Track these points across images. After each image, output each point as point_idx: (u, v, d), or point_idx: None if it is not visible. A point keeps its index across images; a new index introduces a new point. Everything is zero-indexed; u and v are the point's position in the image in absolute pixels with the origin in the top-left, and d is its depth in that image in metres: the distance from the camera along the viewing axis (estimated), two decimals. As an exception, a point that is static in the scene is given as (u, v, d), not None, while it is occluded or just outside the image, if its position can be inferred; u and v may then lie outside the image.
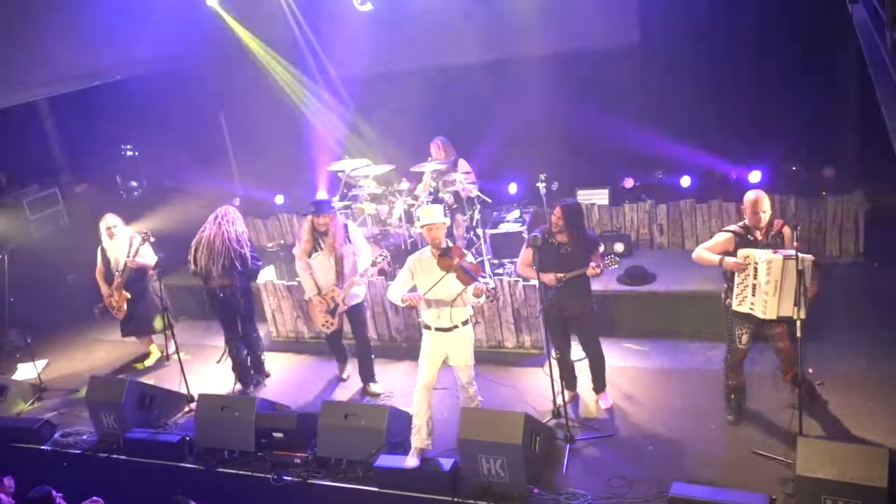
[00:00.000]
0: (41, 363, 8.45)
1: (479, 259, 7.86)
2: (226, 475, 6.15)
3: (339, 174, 8.79)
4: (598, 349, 6.21)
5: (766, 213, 5.32)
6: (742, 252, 5.32)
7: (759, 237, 5.37)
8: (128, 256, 7.71)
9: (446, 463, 5.52)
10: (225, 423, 6.29)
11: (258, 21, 10.36)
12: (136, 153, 12.14)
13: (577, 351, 6.33)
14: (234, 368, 7.36)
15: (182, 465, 6.37)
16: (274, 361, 7.86)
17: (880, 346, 6.28)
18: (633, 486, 5.23)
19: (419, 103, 9.40)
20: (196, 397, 6.85)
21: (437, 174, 8.06)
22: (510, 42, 9.24)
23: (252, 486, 6.00)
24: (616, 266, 5.99)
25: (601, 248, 6.45)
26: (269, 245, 9.48)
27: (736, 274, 5.35)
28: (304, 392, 7.25)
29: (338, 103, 10.53)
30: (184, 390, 7.22)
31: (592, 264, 5.72)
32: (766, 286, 5.14)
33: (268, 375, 7.63)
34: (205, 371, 7.89)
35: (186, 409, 7.16)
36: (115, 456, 6.64)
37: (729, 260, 5.35)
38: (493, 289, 5.61)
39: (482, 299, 5.50)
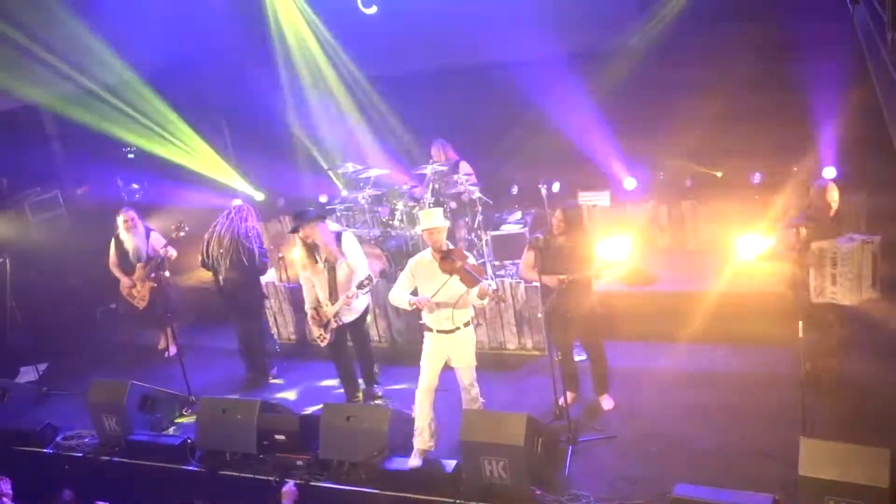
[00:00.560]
0: (42, 366, 8.45)
1: (482, 261, 7.86)
2: (228, 477, 6.14)
3: (341, 174, 8.81)
4: (601, 350, 6.21)
5: (835, 202, 5.36)
6: (817, 244, 5.29)
7: (830, 226, 5.38)
8: (164, 247, 7.85)
9: (448, 464, 5.52)
10: (227, 425, 6.28)
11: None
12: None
13: (578, 352, 6.33)
14: (243, 359, 7.54)
15: (184, 467, 6.35)
16: (275, 362, 7.87)
17: (883, 344, 6.26)
18: (636, 488, 5.22)
19: (420, 104, 9.41)
20: (197, 399, 6.87)
21: (438, 176, 8.07)
22: (510, 42, 9.25)
23: (254, 488, 5.99)
24: (616, 267, 6.00)
25: (602, 250, 6.45)
26: (270, 247, 9.48)
27: (812, 267, 5.33)
28: (306, 393, 7.24)
29: (338, 104, 10.54)
30: (185, 392, 7.23)
31: (593, 265, 5.72)
32: (850, 273, 5.13)
33: (275, 373, 7.68)
34: (205, 371, 7.89)
35: (188, 410, 7.18)
36: (116, 459, 6.63)
37: (811, 255, 5.30)
38: (496, 290, 5.61)
39: (486, 301, 5.50)
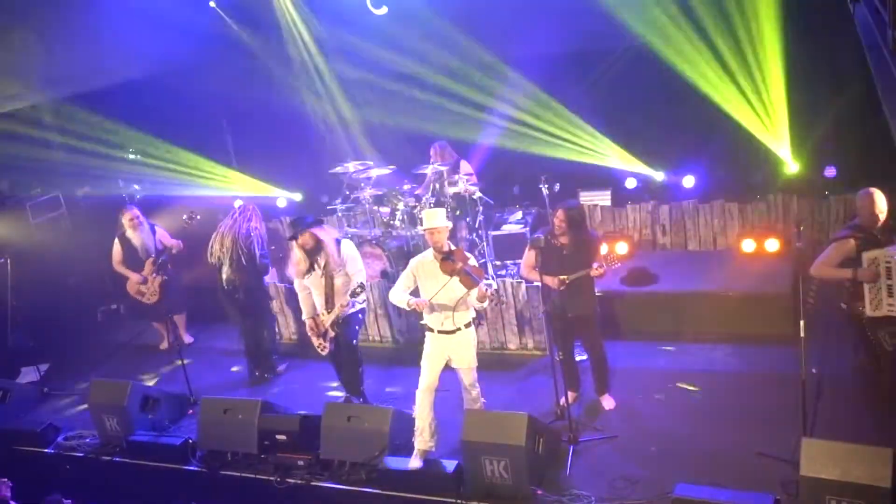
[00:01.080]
0: (43, 366, 8.45)
1: (482, 261, 7.86)
2: (229, 478, 6.14)
3: (342, 175, 8.79)
4: (602, 351, 6.21)
5: (883, 212, 5.21)
6: (868, 256, 5.19)
7: (880, 236, 5.25)
8: (176, 241, 8.10)
9: (449, 465, 5.52)
10: (227, 425, 6.29)
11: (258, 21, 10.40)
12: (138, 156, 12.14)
13: (579, 352, 6.33)
14: (246, 357, 7.64)
15: (185, 467, 6.35)
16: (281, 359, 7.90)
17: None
18: (637, 488, 5.22)
19: (421, 105, 9.41)
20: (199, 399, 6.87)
21: (437, 176, 8.07)
22: (511, 43, 9.26)
23: (255, 488, 6.00)
24: (618, 266, 5.99)
25: (604, 250, 6.45)
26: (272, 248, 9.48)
27: (866, 280, 5.21)
28: (308, 394, 7.25)
29: (339, 104, 10.53)
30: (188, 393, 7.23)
31: (595, 265, 5.72)
32: None
33: (279, 372, 7.71)
34: (206, 371, 7.90)
35: (189, 411, 7.17)
36: (117, 459, 6.63)
37: (865, 271, 5.19)
38: (496, 291, 5.60)
39: (486, 303, 5.49)
